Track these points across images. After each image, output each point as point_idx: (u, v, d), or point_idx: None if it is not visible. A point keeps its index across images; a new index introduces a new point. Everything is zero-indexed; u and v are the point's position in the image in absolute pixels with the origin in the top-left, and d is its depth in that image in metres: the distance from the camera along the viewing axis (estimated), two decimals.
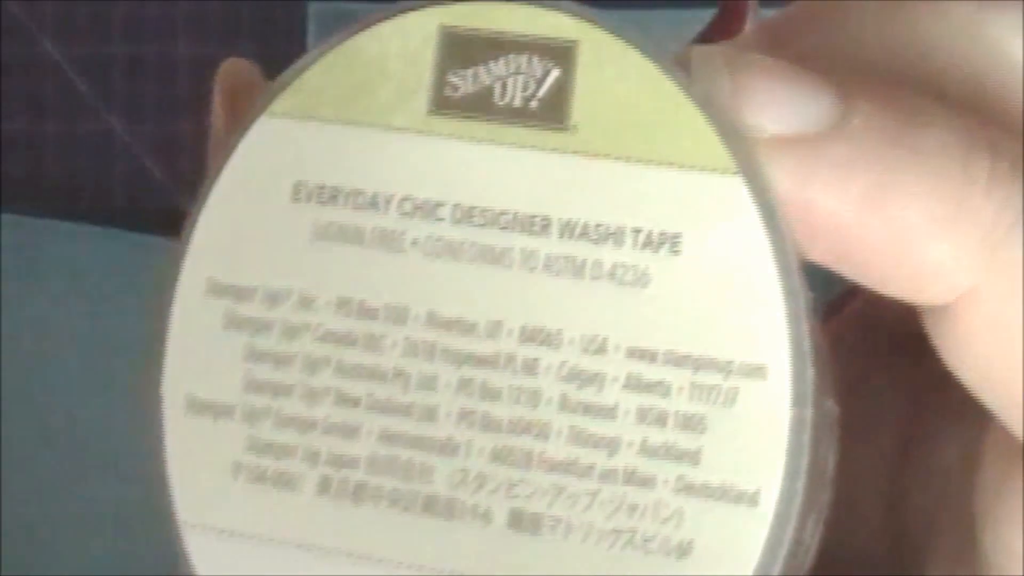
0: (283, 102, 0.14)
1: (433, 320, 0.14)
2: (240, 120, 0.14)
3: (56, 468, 0.45)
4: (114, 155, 0.48)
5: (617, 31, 0.14)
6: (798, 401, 0.13)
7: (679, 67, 0.14)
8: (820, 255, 0.13)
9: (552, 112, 0.14)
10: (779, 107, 0.13)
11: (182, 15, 0.48)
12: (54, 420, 0.45)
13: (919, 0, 0.14)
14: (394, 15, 0.14)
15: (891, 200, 0.13)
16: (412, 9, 0.14)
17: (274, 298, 0.14)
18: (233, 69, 0.16)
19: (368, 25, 0.14)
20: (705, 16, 0.44)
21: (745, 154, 0.13)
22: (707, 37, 0.14)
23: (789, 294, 0.13)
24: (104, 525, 0.45)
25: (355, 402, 0.14)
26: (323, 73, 0.14)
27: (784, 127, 0.13)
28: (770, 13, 0.16)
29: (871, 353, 0.17)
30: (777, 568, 0.13)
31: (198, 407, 0.14)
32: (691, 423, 0.13)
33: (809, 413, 0.13)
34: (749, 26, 0.14)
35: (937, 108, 0.13)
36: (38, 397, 0.45)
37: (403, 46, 0.14)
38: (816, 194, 0.13)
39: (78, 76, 0.48)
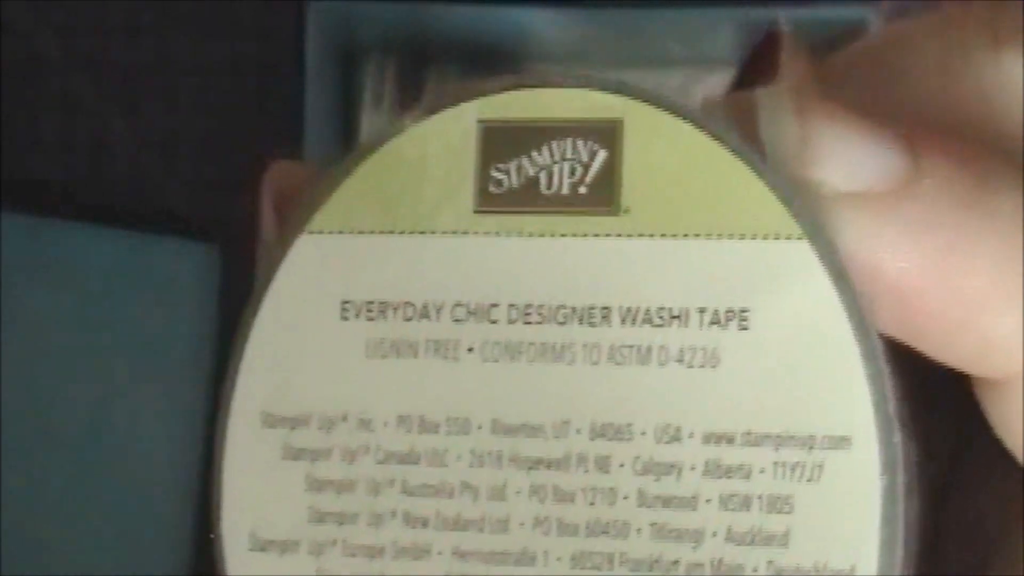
0: (322, 218, 0.14)
1: (497, 427, 0.13)
2: (285, 232, 0.14)
3: (56, 468, 0.45)
4: (114, 155, 0.48)
5: (661, 102, 0.13)
6: (887, 468, 0.12)
7: (729, 130, 0.13)
8: (880, 320, 0.13)
9: (602, 196, 0.13)
10: (849, 160, 0.13)
11: (182, 15, 0.48)
12: (54, 420, 0.45)
13: (981, 53, 0.14)
14: (429, 114, 0.14)
15: (959, 266, 0.12)
16: (447, 106, 0.14)
17: (330, 423, 0.14)
18: (281, 172, 0.15)
19: (403, 127, 0.14)
20: (705, 16, 0.44)
21: (809, 215, 0.13)
22: (744, 77, 0.13)
23: (868, 356, 0.13)
24: (104, 525, 0.45)
25: (424, 522, 0.13)
26: (360, 182, 0.14)
27: (853, 183, 0.13)
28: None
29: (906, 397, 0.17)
30: None
31: (262, 544, 0.14)
32: (777, 504, 0.13)
33: (900, 479, 0.12)
34: (784, 60, 0.14)
35: (1008, 169, 0.13)
36: (38, 397, 0.45)
37: (442, 145, 0.14)
38: (883, 256, 0.12)
39: (78, 76, 0.48)
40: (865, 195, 0.13)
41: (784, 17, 0.44)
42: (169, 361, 0.45)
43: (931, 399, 0.15)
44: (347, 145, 0.14)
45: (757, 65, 0.14)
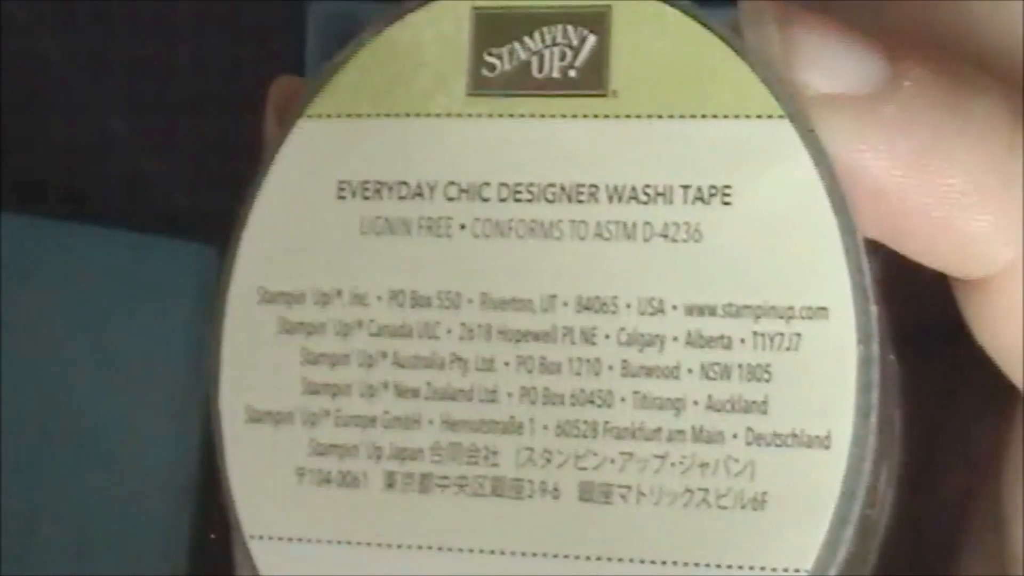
0: (320, 103, 0.14)
1: (487, 301, 0.14)
2: (286, 122, 0.15)
3: (56, 468, 0.45)
4: (114, 155, 0.48)
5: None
6: (863, 338, 0.13)
7: (715, 20, 0.14)
8: (862, 222, 0.13)
9: (591, 79, 0.14)
10: (830, 64, 0.13)
11: (182, 15, 0.48)
12: (54, 420, 0.45)
13: None
14: (425, 2, 0.14)
15: (937, 166, 0.13)
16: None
17: (325, 298, 0.14)
18: (284, 85, 0.16)
19: (399, 16, 0.14)
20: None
21: (789, 96, 0.13)
22: None
23: (845, 231, 0.13)
24: (103, 525, 0.45)
25: (414, 392, 0.14)
26: (358, 69, 0.14)
27: (834, 85, 0.13)
28: None
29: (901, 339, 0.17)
30: (855, 512, 0.13)
31: (258, 416, 0.14)
32: (756, 373, 0.13)
33: (875, 349, 0.13)
34: None
35: (984, 77, 0.13)
36: (38, 397, 0.45)
37: (437, 32, 0.14)
38: (863, 156, 0.13)
39: (78, 76, 0.48)
40: (846, 97, 0.13)
41: None
42: (168, 361, 0.45)
43: (926, 338, 0.15)
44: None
45: None
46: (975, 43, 0.14)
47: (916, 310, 0.15)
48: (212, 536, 0.44)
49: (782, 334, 0.13)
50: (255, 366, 0.14)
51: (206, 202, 0.47)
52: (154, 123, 0.48)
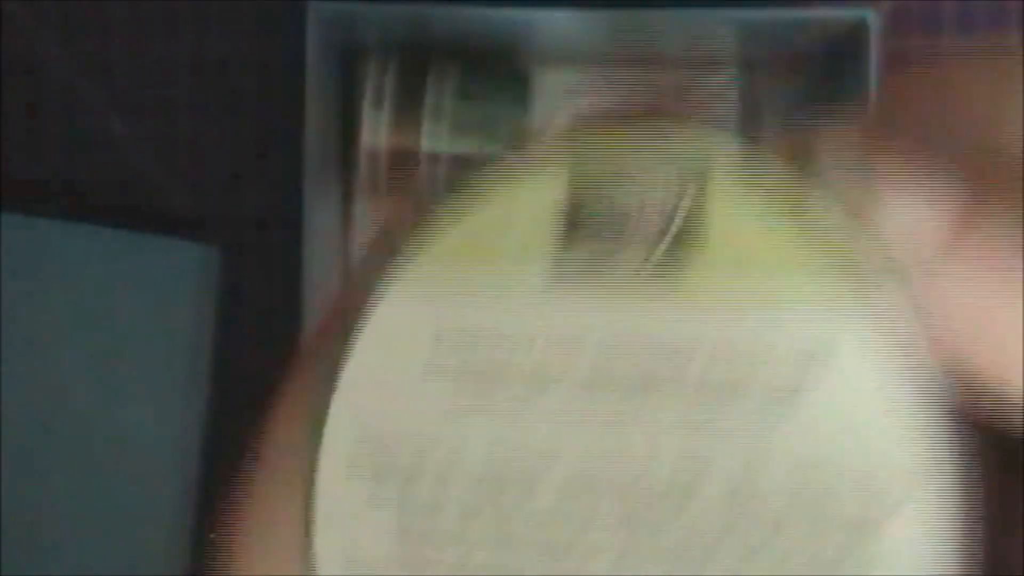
0: (415, 271, 0.14)
1: (586, 456, 0.14)
2: (371, 285, 0.15)
3: (56, 468, 0.45)
4: (114, 155, 0.48)
5: (733, 173, 0.14)
6: (946, 528, 0.13)
7: (791, 194, 0.14)
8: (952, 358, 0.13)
9: (671, 267, 0.14)
10: (900, 232, 0.13)
11: (182, 15, 0.48)
12: (54, 420, 0.45)
13: None
14: (518, 176, 0.14)
15: (1002, 328, 0.13)
16: (534, 169, 0.14)
17: (422, 452, 0.14)
18: (403, 208, 0.16)
19: (489, 183, 0.14)
20: (705, 16, 0.44)
21: (866, 287, 0.13)
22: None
23: (924, 426, 0.13)
24: (104, 525, 0.45)
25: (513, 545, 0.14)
26: (450, 244, 0.14)
27: (904, 253, 0.13)
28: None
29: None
30: None
31: None
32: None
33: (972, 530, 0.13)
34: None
35: None
36: (38, 397, 0.45)
37: (524, 208, 0.14)
38: (930, 321, 0.13)
39: (78, 76, 0.48)
40: (914, 262, 0.13)
41: (785, 21, 0.44)
42: (169, 361, 0.45)
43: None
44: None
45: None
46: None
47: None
48: (212, 536, 0.44)
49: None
50: (346, 539, 0.14)
51: (206, 202, 0.47)
52: (154, 123, 0.48)
